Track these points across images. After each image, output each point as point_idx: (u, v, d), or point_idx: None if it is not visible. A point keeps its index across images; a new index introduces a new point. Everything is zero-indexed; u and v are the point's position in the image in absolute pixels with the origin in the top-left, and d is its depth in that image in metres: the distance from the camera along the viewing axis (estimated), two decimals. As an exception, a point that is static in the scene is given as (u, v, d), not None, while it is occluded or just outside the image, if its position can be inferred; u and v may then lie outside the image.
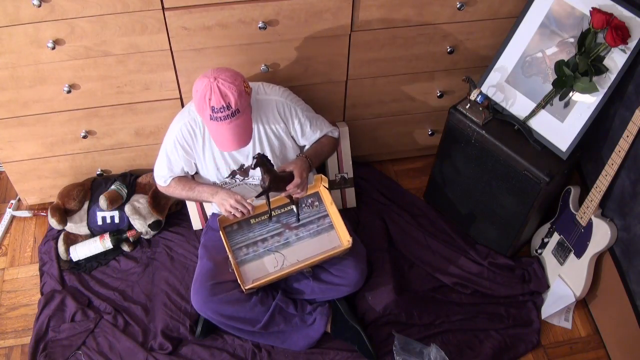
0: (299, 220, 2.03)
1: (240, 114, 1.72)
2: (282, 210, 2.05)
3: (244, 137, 1.77)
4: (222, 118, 1.69)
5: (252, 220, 2.03)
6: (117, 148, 2.30)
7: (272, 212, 2.01)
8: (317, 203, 2.06)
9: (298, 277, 2.07)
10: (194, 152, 1.93)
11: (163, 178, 2.01)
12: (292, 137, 1.99)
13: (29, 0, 1.76)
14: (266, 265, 1.95)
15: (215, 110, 1.68)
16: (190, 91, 2.13)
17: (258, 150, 1.94)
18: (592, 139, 2.09)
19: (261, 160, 1.77)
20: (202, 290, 1.94)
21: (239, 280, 1.88)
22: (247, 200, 1.93)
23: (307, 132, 1.98)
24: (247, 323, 1.97)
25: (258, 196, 1.87)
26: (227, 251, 1.94)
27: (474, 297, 2.21)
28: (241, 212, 1.91)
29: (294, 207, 2.01)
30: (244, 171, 1.99)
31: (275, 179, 1.83)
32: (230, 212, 1.92)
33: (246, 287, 1.86)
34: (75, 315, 2.11)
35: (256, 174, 2.00)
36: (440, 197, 2.41)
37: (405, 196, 2.52)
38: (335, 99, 2.29)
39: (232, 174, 2.00)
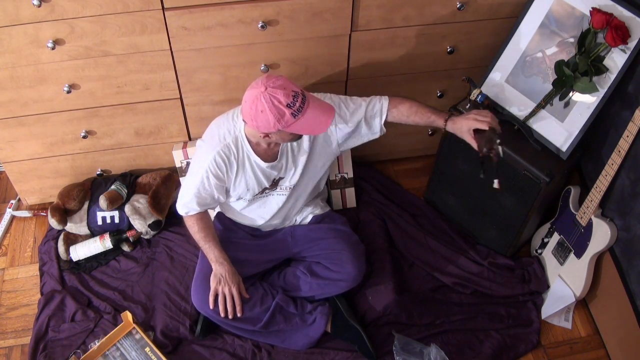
0: (500, 156, 1.76)
1: (307, 93, 1.69)
2: None
3: (326, 106, 1.72)
4: (301, 105, 1.63)
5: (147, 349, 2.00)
6: (117, 148, 2.30)
7: None
8: None
9: (296, 273, 2.08)
10: (227, 178, 1.87)
11: (186, 208, 1.95)
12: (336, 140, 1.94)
13: (29, 0, 1.76)
14: None
15: (291, 104, 1.62)
16: (190, 91, 2.13)
17: (290, 161, 1.90)
18: (592, 139, 2.09)
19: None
20: (202, 289, 1.94)
21: None
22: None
23: (351, 109, 1.88)
24: (248, 322, 1.97)
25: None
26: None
27: (474, 297, 2.21)
28: (225, 305, 1.90)
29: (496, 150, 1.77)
30: (274, 183, 1.97)
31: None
32: (216, 294, 1.90)
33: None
34: (75, 315, 2.11)
35: (284, 184, 1.96)
36: (440, 197, 2.41)
37: (405, 196, 2.52)
38: (335, 99, 2.30)
39: (262, 190, 1.97)
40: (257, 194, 1.97)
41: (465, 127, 1.82)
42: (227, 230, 2.10)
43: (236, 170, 1.85)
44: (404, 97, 1.93)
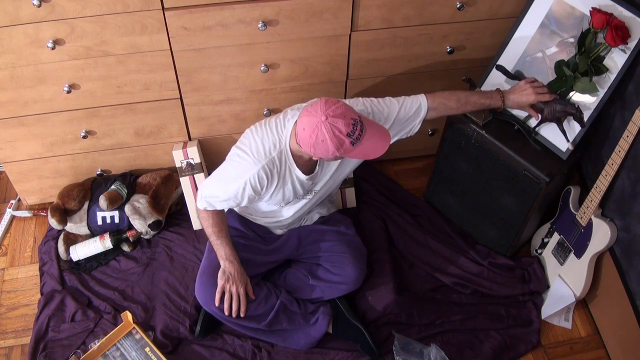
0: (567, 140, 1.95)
1: (363, 118, 1.67)
2: None
3: (382, 131, 1.71)
4: (360, 133, 1.62)
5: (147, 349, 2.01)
6: (117, 148, 2.30)
7: None
8: None
9: (297, 275, 2.08)
10: (265, 191, 1.84)
11: (207, 205, 1.89)
12: None
13: (29, 0, 1.76)
14: None
15: (351, 134, 1.60)
16: (190, 91, 2.13)
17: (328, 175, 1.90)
18: (592, 139, 2.09)
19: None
20: (208, 284, 1.93)
21: None
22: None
23: (385, 114, 1.84)
24: (252, 320, 1.97)
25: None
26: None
27: (474, 297, 2.21)
28: (230, 304, 1.90)
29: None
30: (307, 191, 1.96)
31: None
32: (223, 292, 1.90)
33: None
34: (75, 315, 2.11)
35: (314, 189, 1.95)
36: (440, 197, 2.41)
37: (405, 196, 2.52)
38: (335, 99, 2.30)
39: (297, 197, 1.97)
40: (290, 202, 1.96)
41: (527, 102, 1.95)
42: (239, 229, 2.07)
43: (276, 183, 1.83)
44: (442, 91, 1.93)
